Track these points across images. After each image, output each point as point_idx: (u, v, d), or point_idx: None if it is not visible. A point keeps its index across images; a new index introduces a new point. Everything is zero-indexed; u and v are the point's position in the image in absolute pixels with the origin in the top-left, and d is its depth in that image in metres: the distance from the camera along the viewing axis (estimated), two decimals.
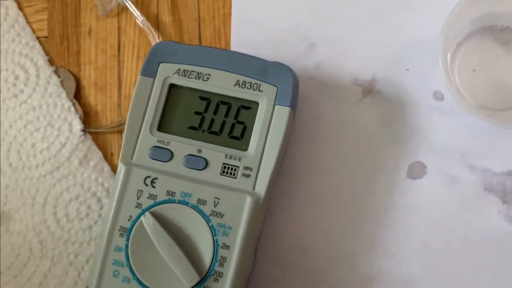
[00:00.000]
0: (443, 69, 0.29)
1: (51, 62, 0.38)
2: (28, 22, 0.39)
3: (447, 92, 0.33)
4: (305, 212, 0.33)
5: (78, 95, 0.37)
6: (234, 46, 0.36)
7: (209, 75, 0.31)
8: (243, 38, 0.36)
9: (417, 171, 0.33)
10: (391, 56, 0.34)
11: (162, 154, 0.30)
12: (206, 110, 0.31)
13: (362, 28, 0.35)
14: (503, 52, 0.32)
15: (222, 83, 0.31)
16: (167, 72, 0.31)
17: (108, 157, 0.36)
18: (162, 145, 0.30)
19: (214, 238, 0.29)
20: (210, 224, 0.29)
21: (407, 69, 0.34)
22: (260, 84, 0.30)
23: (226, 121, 0.31)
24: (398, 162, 0.33)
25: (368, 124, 0.34)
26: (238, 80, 0.30)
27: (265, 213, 0.31)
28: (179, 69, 0.31)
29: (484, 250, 0.31)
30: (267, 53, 0.35)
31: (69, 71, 0.38)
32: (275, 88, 0.30)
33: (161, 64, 0.31)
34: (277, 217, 0.33)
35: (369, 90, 0.34)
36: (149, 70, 0.31)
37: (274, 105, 0.30)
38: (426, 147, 0.33)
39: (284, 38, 0.36)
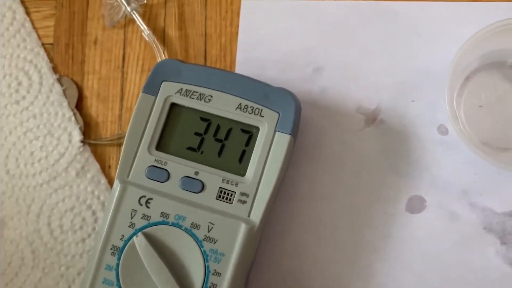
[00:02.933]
0: (449, 106, 0.28)
1: (55, 69, 0.38)
2: (34, 27, 0.39)
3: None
4: (301, 239, 0.33)
5: (79, 105, 0.37)
6: (239, 65, 0.36)
7: (211, 96, 0.30)
8: (249, 57, 0.36)
9: (416, 205, 0.32)
10: (397, 85, 0.34)
11: (159, 174, 0.30)
12: (206, 131, 0.31)
13: (370, 55, 0.34)
14: (511, 90, 0.32)
15: (224, 105, 0.30)
16: (169, 91, 0.31)
17: (105, 170, 0.36)
18: (159, 165, 0.30)
19: (206, 264, 0.28)
20: (202, 249, 0.28)
21: (413, 100, 0.33)
22: (262, 109, 0.30)
23: (225, 144, 0.30)
24: (398, 194, 0.32)
25: (369, 153, 0.33)
26: (240, 104, 0.30)
27: (259, 240, 0.30)
28: (182, 88, 0.31)
29: None
30: (272, 74, 0.35)
31: (72, 80, 0.37)
32: (277, 114, 0.30)
33: (163, 83, 0.31)
34: (272, 242, 0.33)
35: (372, 119, 0.34)
36: (151, 88, 0.31)
37: (275, 131, 0.30)
38: (427, 181, 0.32)
39: (291, 60, 0.35)
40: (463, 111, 0.32)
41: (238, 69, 0.36)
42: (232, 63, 0.36)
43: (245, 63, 0.36)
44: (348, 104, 0.34)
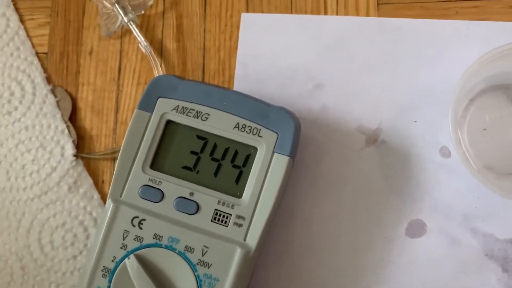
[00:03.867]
0: (453, 131, 0.28)
1: (48, 79, 0.37)
2: (28, 36, 0.38)
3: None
4: (300, 261, 0.32)
5: (73, 117, 0.36)
6: (238, 80, 0.35)
7: (208, 114, 0.30)
8: (248, 72, 0.35)
9: (417, 229, 0.31)
10: (399, 105, 0.33)
11: (153, 194, 0.29)
12: (202, 150, 0.30)
13: (371, 72, 0.34)
14: None
15: (221, 124, 0.29)
16: (165, 108, 0.30)
17: (98, 185, 0.35)
18: (154, 185, 0.29)
19: None
20: (196, 273, 0.28)
21: (415, 121, 0.32)
22: (260, 129, 0.29)
23: (222, 164, 0.29)
24: (398, 217, 0.32)
25: (370, 174, 0.32)
26: (238, 123, 0.29)
27: (255, 263, 0.29)
28: (178, 105, 0.30)
29: None
30: (271, 90, 0.34)
31: (66, 91, 0.37)
32: (276, 135, 0.29)
33: (159, 99, 0.30)
34: (269, 264, 0.32)
35: (373, 139, 0.33)
36: (146, 104, 0.30)
37: (273, 152, 0.29)
38: (428, 204, 0.31)
39: (291, 76, 0.34)
40: (467, 133, 0.31)
41: (237, 84, 0.35)
42: (231, 77, 0.35)
43: (244, 78, 0.35)
44: (349, 122, 0.33)
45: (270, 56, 0.35)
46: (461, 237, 0.31)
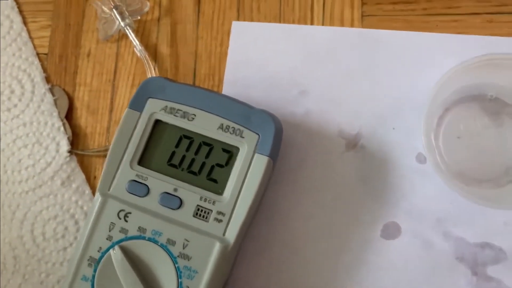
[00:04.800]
0: (425, 138, 0.29)
1: (47, 79, 0.39)
2: (30, 37, 0.40)
3: None
4: (278, 258, 0.33)
5: (69, 115, 0.38)
6: (227, 85, 0.36)
7: (195, 115, 0.31)
8: (236, 77, 0.36)
9: (391, 231, 0.33)
10: (379, 111, 0.34)
11: (139, 188, 0.30)
12: (187, 149, 0.31)
13: (354, 80, 0.35)
14: (490, 123, 0.32)
15: (206, 124, 0.31)
16: (154, 108, 0.32)
17: (90, 180, 0.36)
18: (140, 180, 0.31)
19: (179, 280, 0.29)
20: (176, 265, 0.29)
21: (393, 128, 0.34)
22: (242, 130, 0.31)
23: (206, 163, 0.31)
24: (374, 219, 0.33)
25: (349, 178, 0.34)
26: (222, 124, 0.31)
27: (234, 258, 0.31)
28: (166, 106, 0.31)
29: None
30: (257, 94, 0.36)
31: (64, 90, 0.38)
32: (257, 136, 0.30)
33: (149, 99, 0.32)
34: (249, 260, 0.33)
35: (353, 144, 0.34)
36: (137, 104, 0.32)
37: (254, 153, 0.30)
38: (404, 208, 0.33)
39: (277, 81, 0.36)
40: (442, 141, 0.33)
41: (226, 88, 0.36)
42: (220, 82, 0.37)
43: (233, 82, 0.36)
44: (331, 127, 0.35)
45: (258, 62, 0.36)
46: (433, 240, 0.32)
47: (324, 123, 0.35)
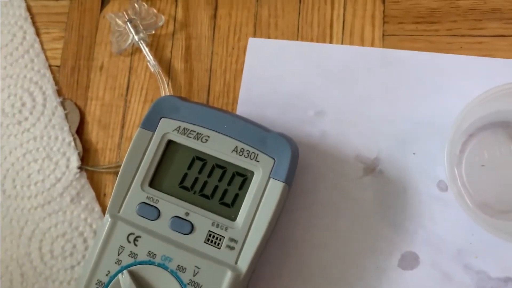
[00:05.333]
0: (448, 168, 0.28)
1: (59, 92, 0.38)
2: (43, 49, 0.39)
3: None
4: (290, 285, 0.32)
5: (80, 130, 0.37)
6: (241, 103, 0.36)
7: (208, 136, 0.30)
8: (252, 95, 0.35)
9: (409, 261, 0.31)
10: (399, 135, 0.33)
11: (150, 211, 0.30)
12: (200, 171, 0.30)
13: (372, 101, 0.34)
14: None
15: (220, 147, 0.30)
16: (167, 128, 0.31)
17: (100, 198, 0.36)
18: (151, 202, 0.30)
19: None
20: None
21: (414, 153, 0.33)
22: (258, 154, 0.30)
23: (219, 186, 0.30)
24: (391, 248, 0.32)
25: (366, 204, 0.33)
26: (237, 147, 0.30)
27: (246, 287, 0.30)
28: (179, 126, 0.31)
29: None
30: (272, 114, 0.35)
31: (75, 104, 0.38)
32: (273, 161, 0.29)
33: (162, 119, 0.31)
34: (260, 286, 0.32)
35: (371, 168, 0.33)
36: (149, 123, 0.31)
37: (269, 178, 0.29)
38: (422, 237, 0.31)
39: (293, 101, 0.35)
40: (464, 168, 0.31)
41: (240, 107, 0.35)
42: (235, 99, 0.36)
43: (247, 101, 0.35)
44: (348, 151, 0.34)
45: (274, 80, 0.35)
46: (453, 272, 0.31)
47: (341, 145, 0.34)
